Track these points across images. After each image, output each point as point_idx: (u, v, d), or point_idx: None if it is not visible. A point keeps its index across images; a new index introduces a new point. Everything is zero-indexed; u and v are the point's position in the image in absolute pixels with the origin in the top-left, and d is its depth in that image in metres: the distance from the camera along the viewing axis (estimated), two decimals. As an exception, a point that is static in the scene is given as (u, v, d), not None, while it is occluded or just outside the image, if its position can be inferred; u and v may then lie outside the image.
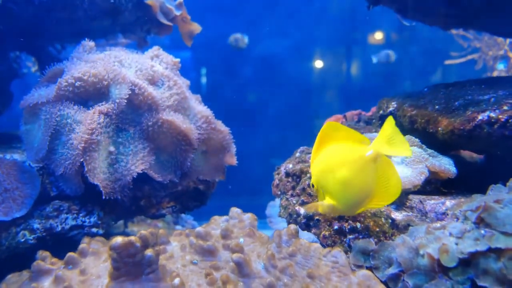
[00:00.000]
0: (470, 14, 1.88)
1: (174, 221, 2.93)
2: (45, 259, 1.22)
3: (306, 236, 1.45)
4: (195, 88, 1.90)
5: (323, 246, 1.28)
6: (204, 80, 5.05)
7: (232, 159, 1.82)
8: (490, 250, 0.94)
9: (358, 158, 1.02)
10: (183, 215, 3.02)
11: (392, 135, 1.02)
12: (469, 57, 4.08)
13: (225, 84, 5.04)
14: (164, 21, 2.13)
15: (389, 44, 5.02)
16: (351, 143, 1.05)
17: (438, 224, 1.10)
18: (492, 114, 1.20)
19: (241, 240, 1.25)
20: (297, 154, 1.74)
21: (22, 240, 1.37)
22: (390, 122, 1.03)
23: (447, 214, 1.16)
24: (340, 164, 1.05)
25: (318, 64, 5.12)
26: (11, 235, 1.36)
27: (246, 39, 4.00)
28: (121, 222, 2.29)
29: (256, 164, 4.46)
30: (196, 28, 2.29)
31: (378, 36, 5.01)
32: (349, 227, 1.26)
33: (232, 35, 4.03)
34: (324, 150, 1.09)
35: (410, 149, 1.03)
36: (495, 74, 3.94)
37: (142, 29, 2.26)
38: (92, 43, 1.69)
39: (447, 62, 4.15)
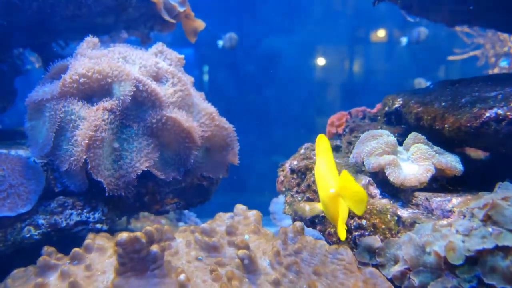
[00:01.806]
0: (475, 10, 1.87)
1: (177, 218, 2.93)
2: (50, 255, 1.22)
3: (311, 233, 1.45)
4: (198, 85, 1.90)
5: (329, 243, 1.28)
6: (207, 77, 5.05)
7: (234, 158, 1.81)
8: (497, 248, 0.94)
9: (327, 189, 1.09)
10: (186, 212, 3.02)
11: (349, 187, 1.03)
12: (471, 53, 4.06)
13: (228, 82, 5.03)
14: (168, 18, 2.12)
15: (391, 41, 5.00)
16: (332, 170, 1.12)
17: (444, 222, 1.10)
18: (500, 111, 1.19)
19: (246, 236, 1.24)
20: (302, 151, 1.73)
21: (27, 235, 1.37)
22: (345, 177, 1.04)
23: (454, 212, 1.15)
24: (321, 188, 1.14)
25: (322, 61, 5.11)
26: (16, 230, 1.36)
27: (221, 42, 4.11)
28: (124, 218, 2.29)
29: (259, 161, 4.46)
30: (200, 24, 2.28)
31: (381, 33, 4.99)
32: (354, 224, 1.26)
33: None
34: (319, 164, 1.18)
35: (364, 208, 1.05)
36: (496, 71, 3.93)
37: (145, 26, 2.25)
38: (96, 40, 1.69)
39: (450, 58, 4.13)
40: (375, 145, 1.35)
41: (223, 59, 4.99)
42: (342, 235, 1.04)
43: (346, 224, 1.28)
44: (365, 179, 1.33)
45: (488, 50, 3.95)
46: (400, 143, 1.43)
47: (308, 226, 1.43)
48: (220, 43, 4.15)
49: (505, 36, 3.84)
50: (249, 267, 1.09)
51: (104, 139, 1.40)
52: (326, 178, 1.11)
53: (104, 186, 1.40)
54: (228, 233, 1.25)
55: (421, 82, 4.22)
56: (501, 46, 3.89)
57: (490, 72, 3.95)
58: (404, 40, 4.18)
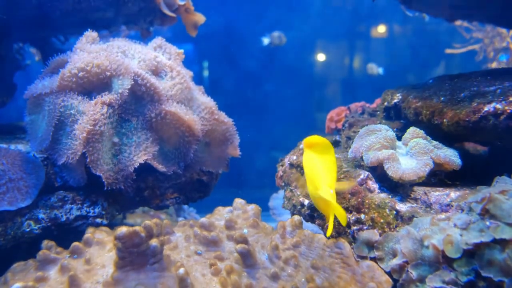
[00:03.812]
0: (474, 5, 1.87)
1: (176, 213, 2.94)
2: (50, 249, 1.23)
3: (310, 228, 1.45)
4: (197, 80, 1.90)
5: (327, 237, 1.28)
6: (206, 72, 5.04)
7: (235, 151, 1.82)
8: (495, 241, 0.94)
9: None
10: (185, 207, 3.03)
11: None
12: (470, 47, 4.05)
13: (227, 77, 5.02)
14: (168, 12, 2.12)
15: (392, 37, 4.99)
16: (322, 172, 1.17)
17: (442, 216, 1.10)
18: (498, 106, 1.19)
19: (245, 231, 1.25)
20: (301, 146, 1.73)
21: (27, 230, 1.37)
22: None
23: (452, 206, 1.16)
24: (310, 182, 1.20)
25: (322, 56, 5.10)
26: (16, 224, 1.36)
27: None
28: (123, 213, 2.30)
29: (259, 156, 4.46)
30: (200, 18, 2.27)
31: (381, 29, 4.98)
32: (353, 218, 1.26)
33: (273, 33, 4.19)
34: (308, 157, 1.22)
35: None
36: (494, 65, 3.92)
37: (145, 20, 2.24)
38: (95, 34, 1.68)
39: (448, 51, 4.13)
40: (374, 139, 1.35)
41: (223, 54, 4.98)
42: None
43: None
44: (364, 174, 1.33)
45: (487, 44, 3.94)
46: (399, 138, 1.43)
47: (307, 221, 1.44)
48: (266, 40, 4.20)
49: (504, 31, 3.83)
50: (248, 261, 1.10)
51: (103, 133, 1.40)
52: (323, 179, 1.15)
53: (103, 180, 1.40)
54: (227, 227, 1.26)
55: (373, 68, 4.33)
56: (500, 41, 3.89)
57: (489, 66, 3.94)
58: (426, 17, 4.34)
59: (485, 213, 1.00)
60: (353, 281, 1.04)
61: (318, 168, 1.17)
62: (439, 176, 1.33)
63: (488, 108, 1.21)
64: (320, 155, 1.19)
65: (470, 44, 4.06)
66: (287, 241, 1.16)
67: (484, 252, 0.95)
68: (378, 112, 1.96)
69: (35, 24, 1.95)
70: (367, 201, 1.27)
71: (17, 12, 1.76)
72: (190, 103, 1.67)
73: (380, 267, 1.10)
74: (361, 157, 1.36)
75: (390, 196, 1.28)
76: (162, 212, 2.69)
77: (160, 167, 1.53)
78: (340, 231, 1.30)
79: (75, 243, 1.21)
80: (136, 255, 1.01)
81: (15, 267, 1.22)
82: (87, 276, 1.10)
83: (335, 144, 1.92)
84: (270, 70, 5.01)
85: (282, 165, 1.72)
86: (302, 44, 5.05)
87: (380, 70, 4.42)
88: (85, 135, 1.35)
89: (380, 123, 1.66)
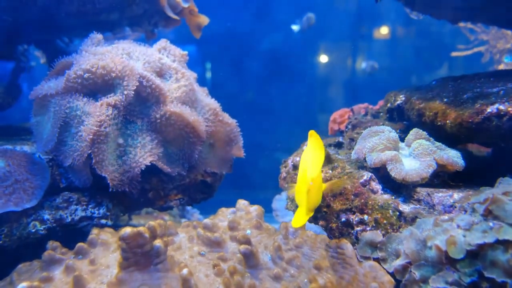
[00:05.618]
0: (478, 7, 1.87)
1: (180, 214, 2.95)
2: (55, 249, 1.24)
3: (313, 229, 1.46)
4: (200, 82, 1.91)
5: (331, 238, 1.28)
6: (209, 74, 5.05)
7: (239, 152, 1.82)
8: (498, 242, 0.94)
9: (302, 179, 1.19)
10: (189, 208, 3.04)
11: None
12: (476, 49, 4.03)
13: (230, 78, 5.03)
14: (172, 14, 2.13)
15: (394, 38, 4.98)
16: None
17: (446, 217, 1.10)
18: (501, 107, 1.19)
19: (248, 231, 1.25)
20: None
21: (33, 230, 1.38)
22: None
23: (455, 207, 1.16)
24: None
25: (325, 58, 5.10)
26: (22, 225, 1.37)
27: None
28: (127, 214, 2.31)
29: (262, 158, 4.47)
30: (204, 20, 2.29)
31: (384, 30, 4.98)
32: (356, 219, 1.27)
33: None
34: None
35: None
36: (501, 67, 3.90)
37: (149, 22, 2.26)
38: (100, 36, 1.70)
39: (454, 54, 4.11)
40: (377, 141, 1.35)
41: (226, 56, 4.99)
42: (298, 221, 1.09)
43: (348, 219, 1.29)
44: (367, 175, 1.34)
45: (492, 46, 3.93)
46: (402, 139, 1.43)
47: (310, 222, 1.44)
48: (295, 28, 4.22)
49: (509, 32, 3.82)
50: (250, 262, 1.10)
51: (108, 134, 1.41)
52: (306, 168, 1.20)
53: (108, 181, 1.41)
54: (230, 228, 1.26)
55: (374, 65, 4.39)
56: (505, 42, 3.87)
57: (496, 68, 3.93)
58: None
59: (488, 214, 1.00)
60: (356, 281, 1.05)
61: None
62: (442, 177, 1.33)
63: (491, 109, 1.21)
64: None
65: (476, 46, 4.04)
66: (290, 242, 1.17)
67: (487, 253, 0.95)
68: (381, 114, 1.96)
69: (40, 26, 1.96)
70: (370, 202, 1.27)
71: (22, 14, 1.78)
72: (195, 105, 1.68)
73: (382, 267, 1.10)
74: (364, 158, 1.37)
75: (393, 197, 1.28)
76: (165, 213, 2.70)
77: (165, 168, 1.54)
78: (343, 232, 1.30)
79: (80, 244, 1.22)
80: (140, 256, 1.02)
81: (20, 268, 1.23)
82: (92, 276, 1.11)
83: (338, 145, 1.92)
84: (273, 72, 5.01)
85: (285, 167, 1.72)
86: (305, 46, 5.05)
87: (363, 65, 4.44)
88: (91, 136, 1.36)
89: (383, 125, 1.66)
